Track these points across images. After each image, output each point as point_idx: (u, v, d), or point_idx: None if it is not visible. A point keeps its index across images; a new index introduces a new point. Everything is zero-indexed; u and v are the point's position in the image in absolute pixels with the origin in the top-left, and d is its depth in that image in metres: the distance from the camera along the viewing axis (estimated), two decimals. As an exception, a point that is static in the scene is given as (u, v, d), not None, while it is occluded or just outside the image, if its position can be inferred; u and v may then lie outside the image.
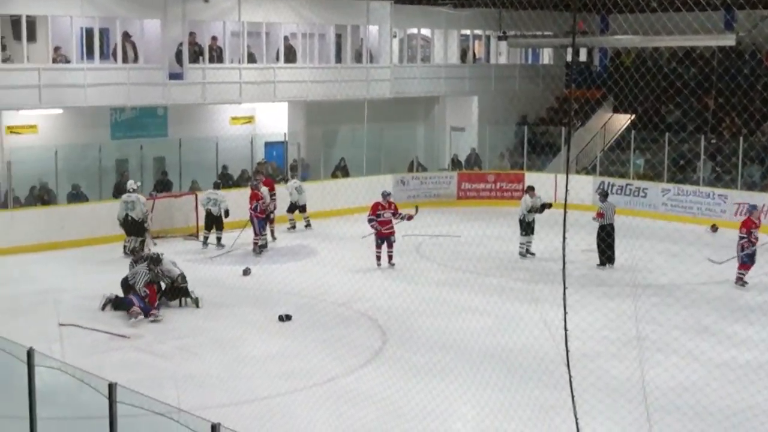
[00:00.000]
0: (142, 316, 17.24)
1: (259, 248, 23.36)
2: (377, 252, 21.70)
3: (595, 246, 21.81)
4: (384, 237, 21.69)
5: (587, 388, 12.35)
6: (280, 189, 26.20)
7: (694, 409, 12.61)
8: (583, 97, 34.18)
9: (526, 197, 23.07)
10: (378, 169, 30.53)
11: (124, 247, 21.94)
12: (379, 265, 21.60)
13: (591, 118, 34.41)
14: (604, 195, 22.62)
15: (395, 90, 31.68)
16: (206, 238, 24.33)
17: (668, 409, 12.65)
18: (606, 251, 21.58)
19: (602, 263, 21.61)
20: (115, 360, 14.97)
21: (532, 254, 22.80)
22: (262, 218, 23.62)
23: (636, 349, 15.08)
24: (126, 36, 26.33)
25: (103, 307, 18.04)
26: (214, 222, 24.24)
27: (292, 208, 26.49)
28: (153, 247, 21.53)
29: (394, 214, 21.80)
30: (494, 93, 34.61)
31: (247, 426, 7.65)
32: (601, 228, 21.68)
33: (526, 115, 35.20)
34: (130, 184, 23.80)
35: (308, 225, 26.55)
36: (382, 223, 21.59)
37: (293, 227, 26.41)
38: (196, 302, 18.43)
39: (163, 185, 26.17)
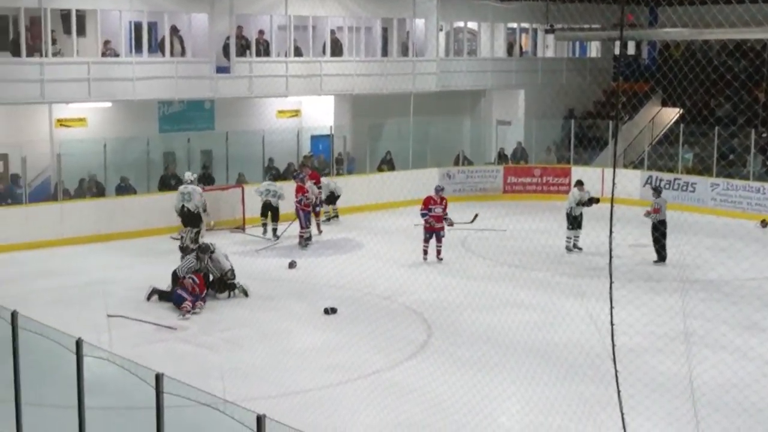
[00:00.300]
0: (190, 315, 17.32)
1: (305, 241, 23.45)
2: (425, 246, 21.63)
3: (643, 241, 21.62)
4: (433, 231, 21.60)
5: (633, 383, 12.26)
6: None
7: (742, 406, 12.46)
8: (630, 91, 33.91)
9: (575, 191, 22.95)
10: (424, 162, 30.49)
11: (181, 237, 22.06)
12: (425, 259, 21.54)
13: (639, 111, 34.09)
14: (657, 190, 22.38)
15: (441, 83, 31.60)
16: (265, 225, 24.72)
17: (716, 405, 12.52)
18: (662, 248, 21.35)
19: (661, 259, 21.35)
20: (162, 351, 15.10)
21: (579, 249, 22.65)
22: (307, 211, 23.71)
23: (683, 344, 14.94)
24: (174, 30, 26.54)
25: (149, 297, 18.22)
26: (272, 212, 24.43)
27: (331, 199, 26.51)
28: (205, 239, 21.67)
29: (443, 211, 21.65)
30: (541, 86, 34.40)
31: (292, 418, 7.68)
32: (660, 223, 21.38)
33: (573, 108, 34.97)
34: (188, 175, 24.12)
35: (335, 216, 26.55)
36: (434, 218, 21.50)
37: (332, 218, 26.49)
38: (244, 292, 18.57)
39: (205, 179, 26.32)
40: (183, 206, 23.38)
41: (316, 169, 27.14)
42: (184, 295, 17.62)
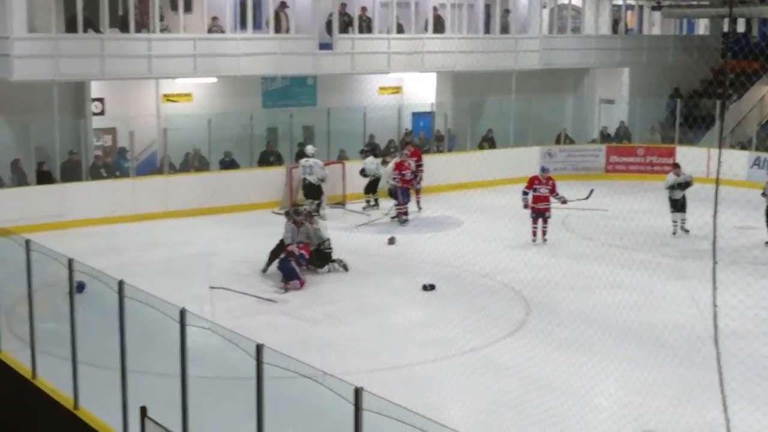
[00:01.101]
0: (288, 291, 17.57)
1: (403, 217, 23.53)
2: (533, 227, 21.42)
3: (749, 223, 21.15)
4: (539, 213, 21.38)
5: (735, 366, 12.00)
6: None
7: None
8: (739, 69, 33.04)
9: (670, 174, 22.48)
10: (525, 140, 30.25)
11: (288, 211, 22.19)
12: (534, 240, 21.34)
13: (748, 90, 33.20)
14: None
15: (544, 61, 31.26)
16: (368, 201, 25.13)
17: (821, 391, 12.21)
18: None
19: None
20: (263, 323, 15.33)
21: (686, 231, 22.19)
22: (405, 188, 23.78)
23: (789, 329, 14.63)
24: (282, 5, 26.74)
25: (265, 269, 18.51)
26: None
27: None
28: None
29: (551, 192, 21.41)
30: (646, 64, 33.76)
31: (389, 392, 7.75)
32: None
33: (678, 87, 34.25)
34: (309, 149, 24.76)
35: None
36: (536, 199, 21.21)
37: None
38: (344, 266, 18.75)
39: (300, 156, 26.52)
40: (304, 179, 24.00)
41: (418, 146, 27.11)
42: (297, 271, 17.80)
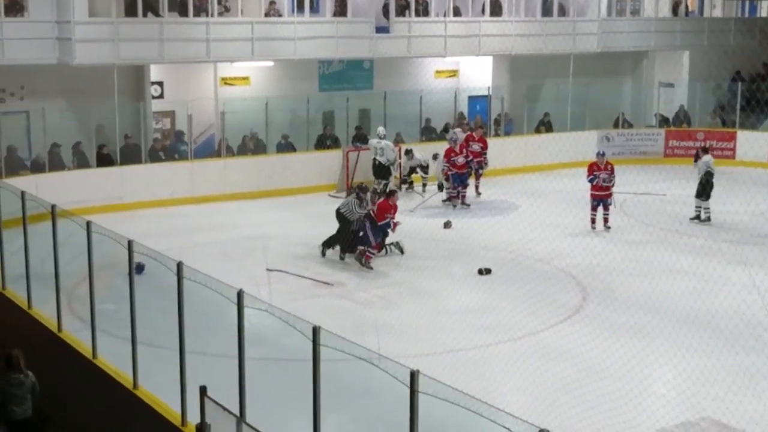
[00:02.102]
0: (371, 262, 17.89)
1: (456, 201, 23.48)
2: (592, 214, 20.98)
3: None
4: (600, 200, 20.91)
5: (797, 354, 11.89)
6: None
7: None
8: (803, 51, 32.43)
9: (710, 157, 22.06)
10: (582, 124, 30.00)
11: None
12: (593, 228, 20.92)
13: (811, 73, 32.63)
14: None
15: (602, 44, 30.92)
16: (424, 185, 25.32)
17: None
18: None
19: None
20: (318, 306, 15.41)
21: (702, 220, 21.78)
22: (460, 174, 23.68)
23: None
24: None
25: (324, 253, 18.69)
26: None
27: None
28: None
29: (610, 176, 20.87)
30: (707, 47, 33.22)
31: (444, 376, 7.75)
32: None
33: (740, 70, 33.69)
34: (381, 130, 25.08)
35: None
36: (596, 186, 20.76)
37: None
38: (400, 249, 18.78)
39: (358, 139, 26.57)
40: (375, 159, 24.38)
41: (482, 131, 26.67)
42: (371, 242, 18.03)
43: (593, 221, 21.01)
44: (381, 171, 24.47)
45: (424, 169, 25.46)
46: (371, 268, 17.91)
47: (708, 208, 21.82)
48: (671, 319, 14.63)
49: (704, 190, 21.83)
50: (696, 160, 22.83)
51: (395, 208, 18.59)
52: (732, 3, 34.80)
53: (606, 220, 21.03)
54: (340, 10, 26.67)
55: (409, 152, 25.45)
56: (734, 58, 33.08)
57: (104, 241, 11.45)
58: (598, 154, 21.76)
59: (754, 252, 17.84)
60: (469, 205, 23.46)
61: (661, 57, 33.54)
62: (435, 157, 25.21)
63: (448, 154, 23.75)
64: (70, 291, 14.54)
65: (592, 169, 21.05)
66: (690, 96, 32.41)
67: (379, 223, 18.26)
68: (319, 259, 18.50)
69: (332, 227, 19.21)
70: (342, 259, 18.57)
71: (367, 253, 18.02)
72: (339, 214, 18.70)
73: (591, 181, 20.89)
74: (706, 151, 22.66)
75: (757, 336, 12.90)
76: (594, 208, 21.00)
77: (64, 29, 22.82)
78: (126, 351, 10.86)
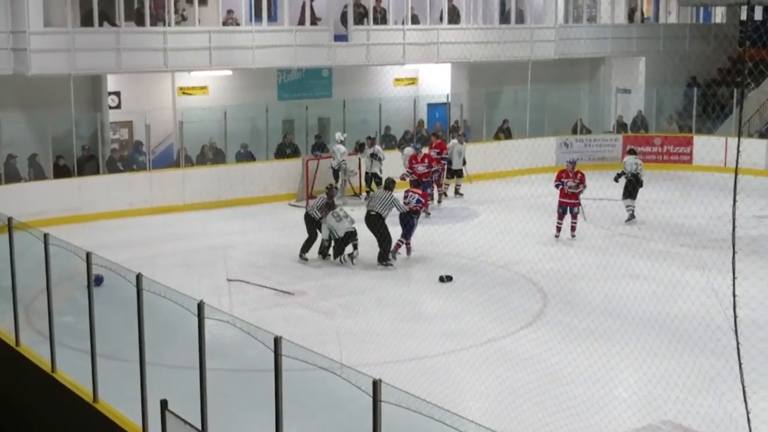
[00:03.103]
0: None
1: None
2: (558, 223, 20.83)
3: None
4: (566, 206, 20.76)
5: (756, 356, 11.90)
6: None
7: None
8: (757, 57, 32.79)
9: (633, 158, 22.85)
10: (541, 130, 30.18)
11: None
12: (557, 236, 20.79)
13: (766, 78, 32.98)
14: None
15: (560, 51, 31.14)
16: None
17: (842, 381, 12.13)
18: None
19: None
20: (280, 315, 15.36)
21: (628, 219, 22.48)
22: (420, 180, 23.68)
23: (809, 318, 14.54)
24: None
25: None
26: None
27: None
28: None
29: (578, 185, 20.75)
30: (663, 53, 33.58)
31: (407, 383, 7.74)
32: None
33: (695, 76, 34.06)
34: (338, 135, 25.23)
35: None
36: (563, 194, 20.67)
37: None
38: (351, 259, 18.73)
39: (318, 147, 26.53)
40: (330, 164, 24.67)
41: (442, 139, 26.76)
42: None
43: (558, 229, 20.86)
44: (334, 174, 24.86)
45: (379, 159, 25.34)
46: (395, 260, 18.72)
47: (632, 207, 22.50)
48: (631, 324, 14.73)
49: (626, 189, 22.53)
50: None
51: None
52: (687, 9, 35.19)
53: (573, 228, 20.84)
54: (302, 18, 26.66)
55: (362, 146, 25.46)
56: (690, 63, 33.43)
57: (62, 254, 11.32)
58: (568, 162, 21.54)
59: (713, 256, 17.99)
60: (429, 214, 23.45)
61: (617, 63, 33.82)
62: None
63: (411, 161, 23.78)
64: (28, 304, 14.38)
65: (560, 176, 20.98)
66: (647, 101, 32.71)
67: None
68: (281, 269, 18.43)
69: (293, 236, 19.20)
70: (304, 259, 18.64)
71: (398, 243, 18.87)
72: (308, 217, 18.86)
73: (557, 186, 20.87)
74: (632, 152, 23.36)
75: (717, 339, 12.99)
76: (560, 216, 20.85)
77: (19, 39, 22.59)
78: (86, 364, 10.73)
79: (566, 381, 12.30)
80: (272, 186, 25.23)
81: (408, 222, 19.02)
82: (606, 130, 32.36)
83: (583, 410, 11.20)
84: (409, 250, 19.20)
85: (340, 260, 18.69)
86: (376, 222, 18.55)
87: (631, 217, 22.54)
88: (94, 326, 10.75)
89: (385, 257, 18.54)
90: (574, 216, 20.89)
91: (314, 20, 26.78)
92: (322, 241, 18.82)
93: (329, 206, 18.82)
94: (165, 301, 9.30)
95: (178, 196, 24.10)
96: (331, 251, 18.83)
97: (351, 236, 18.67)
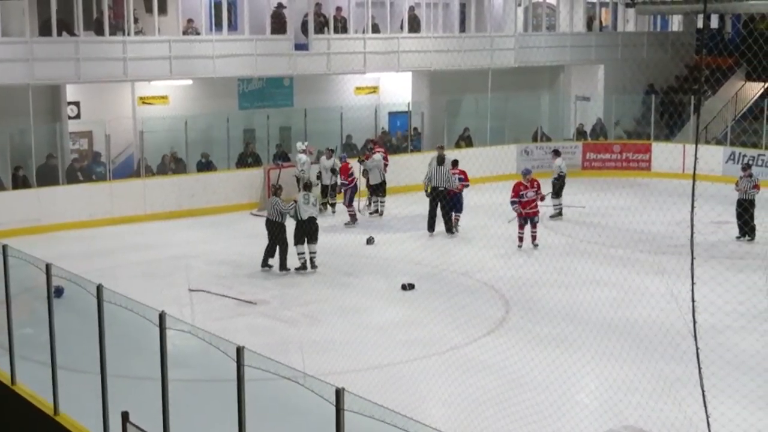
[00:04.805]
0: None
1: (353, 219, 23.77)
2: (520, 233, 20.74)
3: (726, 218, 21.29)
4: (528, 217, 20.74)
5: (715, 360, 12.11)
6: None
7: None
8: (714, 65, 33.23)
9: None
10: (502, 138, 30.32)
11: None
12: (520, 246, 20.70)
13: (722, 86, 33.40)
14: (747, 166, 22.01)
15: (520, 59, 31.32)
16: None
17: (799, 384, 12.30)
18: (746, 223, 21.05)
19: (743, 235, 21.08)
20: (242, 325, 15.33)
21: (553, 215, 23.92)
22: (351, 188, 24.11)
23: (766, 322, 14.70)
24: (280, 6, 27.02)
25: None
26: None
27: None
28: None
29: (536, 193, 20.84)
30: (621, 61, 33.86)
31: (370, 392, 7.75)
32: (743, 200, 21.11)
33: (653, 83, 34.41)
34: (299, 145, 25.26)
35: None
36: (525, 204, 20.63)
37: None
38: (312, 265, 18.82)
39: (279, 156, 26.47)
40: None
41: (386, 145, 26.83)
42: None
43: (520, 239, 20.78)
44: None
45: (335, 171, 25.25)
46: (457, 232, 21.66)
47: (560, 205, 23.91)
48: (593, 329, 14.84)
49: (554, 189, 23.76)
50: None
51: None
52: (644, 18, 35.53)
53: (534, 238, 20.85)
54: (278, 27, 26.70)
55: (320, 154, 25.49)
56: (647, 71, 33.80)
57: (21, 265, 11.23)
58: (523, 172, 21.52)
59: (672, 262, 18.18)
60: (355, 223, 23.57)
61: (576, 71, 34.07)
62: (363, 168, 25.10)
63: (344, 170, 24.08)
64: (-13, 316, 14.22)
65: (518, 189, 20.82)
66: (606, 109, 32.96)
67: None
68: (243, 278, 18.38)
69: (255, 245, 19.15)
70: (268, 267, 18.64)
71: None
72: (269, 222, 18.77)
73: (515, 201, 20.67)
74: (557, 154, 24.69)
75: (676, 345, 13.14)
76: (521, 227, 20.78)
77: (-24, 49, 22.39)
78: (46, 376, 10.64)
79: (529, 387, 12.37)
80: (234, 195, 25.15)
81: (459, 199, 22.20)
82: (566, 137, 32.58)
83: (546, 416, 11.28)
84: (457, 223, 22.18)
85: (305, 266, 18.73)
86: (444, 198, 21.69)
87: (558, 214, 23.87)
88: (54, 338, 10.67)
89: (450, 228, 21.95)
90: (534, 225, 20.92)
91: (282, 28, 26.73)
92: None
93: (276, 189, 19.52)
94: (126, 312, 9.26)
95: (139, 206, 23.95)
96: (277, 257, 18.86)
97: (311, 223, 18.71)
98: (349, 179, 23.99)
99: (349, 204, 23.80)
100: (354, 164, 24.61)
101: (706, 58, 32.93)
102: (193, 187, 24.85)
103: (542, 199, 21.41)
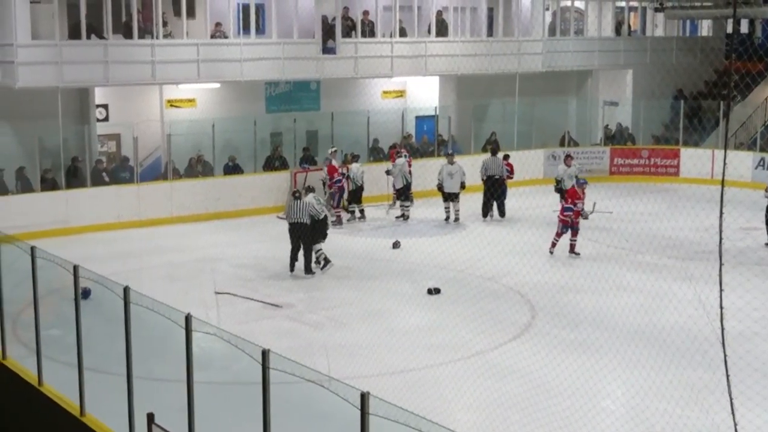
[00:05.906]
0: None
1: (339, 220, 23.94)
2: (555, 239, 20.38)
3: (755, 224, 21.12)
4: (570, 225, 20.29)
5: (743, 368, 12.00)
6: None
7: None
8: (743, 70, 32.95)
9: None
10: (529, 143, 30.23)
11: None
12: (552, 252, 20.37)
13: (752, 91, 33.15)
14: None
15: (547, 63, 31.24)
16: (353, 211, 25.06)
17: (829, 393, 12.16)
18: None
19: None
20: (268, 328, 15.34)
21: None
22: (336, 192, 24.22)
23: (795, 330, 14.57)
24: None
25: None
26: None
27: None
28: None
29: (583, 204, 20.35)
30: (650, 66, 33.69)
31: (395, 396, 7.74)
32: None
33: (682, 89, 34.20)
34: (329, 152, 25.09)
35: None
36: (576, 213, 20.20)
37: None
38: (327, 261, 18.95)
39: (305, 160, 26.51)
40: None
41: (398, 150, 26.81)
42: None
43: (554, 245, 20.43)
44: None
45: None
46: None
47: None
48: (619, 336, 14.75)
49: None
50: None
51: None
52: (673, 22, 35.36)
53: (573, 246, 20.43)
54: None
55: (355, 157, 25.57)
56: (676, 76, 33.58)
57: (49, 267, 11.29)
58: (580, 182, 20.90)
59: (700, 268, 18.00)
60: (342, 224, 23.71)
61: (604, 76, 33.94)
62: (388, 172, 25.13)
63: (331, 172, 24.07)
64: (15, 317, 14.31)
65: (575, 196, 20.34)
66: (634, 114, 32.81)
67: None
68: (268, 281, 18.42)
69: (281, 249, 19.17)
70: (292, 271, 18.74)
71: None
72: (296, 226, 18.80)
73: (570, 209, 20.20)
74: (568, 157, 24.45)
75: (704, 351, 13.04)
76: (559, 234, 20.39)
77: (6, 52, 22.56)
78: (72, 377, 10.69)
79: (554, 393, 12.31)
80: (260, 198, 25.21)
81: (505, 188, 24.02)
82: (593, 142, 32.45)
83: (571, 422, 11.22)
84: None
85: (323, 266, 18.93)
86: (500, 186, 23.89)
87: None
88: (81, 339, 10.72)
89: (503, 213, 24.02)
90: (575, 234, 20.45)
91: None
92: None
93: (309, 189, 19.73)
94: (152, 314, 9.28)
95: (165, 208, 24.05)
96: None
97: (324, 222, 19.09)
98: (336, 185, 24.06)
99: (336, 206, 23.94)
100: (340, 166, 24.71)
101: (736, 63, 32.64)
102: (219, 190, 24.93)
103: (586, 217, 20.63)
